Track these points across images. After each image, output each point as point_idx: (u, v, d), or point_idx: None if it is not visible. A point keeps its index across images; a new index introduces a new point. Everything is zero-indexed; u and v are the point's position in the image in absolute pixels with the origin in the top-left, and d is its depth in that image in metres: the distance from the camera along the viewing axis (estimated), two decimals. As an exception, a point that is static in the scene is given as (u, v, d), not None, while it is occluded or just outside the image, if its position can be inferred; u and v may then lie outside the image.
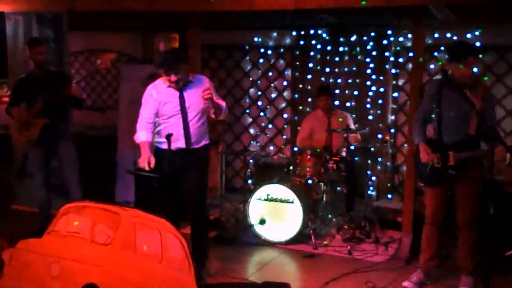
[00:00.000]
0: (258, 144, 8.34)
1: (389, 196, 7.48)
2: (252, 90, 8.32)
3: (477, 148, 4.45)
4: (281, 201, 5.91)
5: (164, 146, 4.64)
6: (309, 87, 7.98)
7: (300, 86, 8.07)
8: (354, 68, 7.72)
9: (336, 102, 7.29)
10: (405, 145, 7.19)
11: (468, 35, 6.87)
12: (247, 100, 8.20)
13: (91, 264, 3.65)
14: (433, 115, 4.61)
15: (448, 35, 7.05)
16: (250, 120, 8.34)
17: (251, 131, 8.41)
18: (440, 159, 4.44)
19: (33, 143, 5.71)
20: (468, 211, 4.56)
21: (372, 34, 7.54)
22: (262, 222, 5.94)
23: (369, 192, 7.40)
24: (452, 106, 4.46)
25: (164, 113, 4.76)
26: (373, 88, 7.65)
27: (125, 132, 7.44)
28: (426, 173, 4.59)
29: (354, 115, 7.31)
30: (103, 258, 3.64)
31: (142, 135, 4.77)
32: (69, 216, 3.91)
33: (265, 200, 5.98)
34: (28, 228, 4.18)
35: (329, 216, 6.45)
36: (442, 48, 7.14)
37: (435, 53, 7.24)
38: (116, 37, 8.84)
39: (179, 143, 4.74)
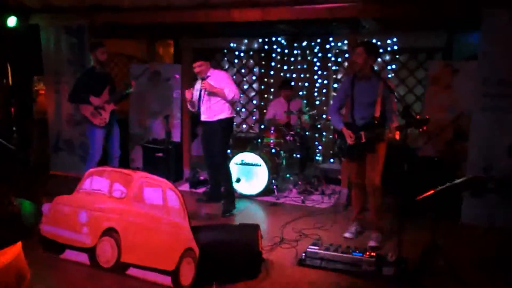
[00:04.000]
0: (235, 123, 8.28)
1: (331, 160, 7.54)
2: (229, 83, 8.25)
3: (381, 128, 4.08)
4: (252, 164, 5.91)
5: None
6: (272, 81, 7.94)
7: (265, 80, 8.01)
8: (305, 66, 7.69)
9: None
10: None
11: (388, 41, 6.90)
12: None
13: (110, 213, 3.63)
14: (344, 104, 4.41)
15: (374, 40, 7.05)
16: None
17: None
18: (354, 138, 4.20)
19: (104, 125, 5.43)
20: (372, 178, 4.22)
21: (318, 40, 7.50)
22: (238, 180, 5.94)
23: (317, 157, 7.45)
24: (361, 94, 4.20)
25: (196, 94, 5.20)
26: (319, 81, 7.63)
27: (135, 114, 7.32)
28: (346, 150, 4.33)
29: (305, 101, 7.32)
30: (119, 208, 3.62)
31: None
32: (92, 177, 3.87)
33: (240, 164, 5.96)
34: (63, 188, 4.09)
35: (288, 175, 6.47)
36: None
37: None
38: (127, 43, 8.64)
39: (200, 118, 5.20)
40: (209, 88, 4.91)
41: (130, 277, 3.50)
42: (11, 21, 6.19)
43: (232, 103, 5.15)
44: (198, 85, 5.18)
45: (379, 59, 7.12)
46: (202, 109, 5.11)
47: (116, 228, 3.58)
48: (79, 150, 6.72)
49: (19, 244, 2.02)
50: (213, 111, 5.07)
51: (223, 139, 5.16)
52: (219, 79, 5.03)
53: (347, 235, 4.52)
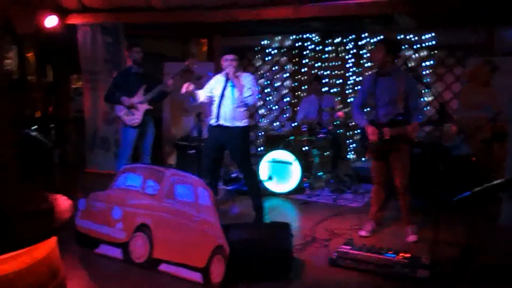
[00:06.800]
0: (267, 120, 8.28)
1: (364, 158, 7.41)
2: (261, 80, 8.22)
3: (406, 126, 4.03)
4: (284, 162, 5.88)
5: (211, 121, 4.64)
6: (304, 78, 7.87)
7: (298, 77, 7.96)
8: (338, 63, 7.59)
9: (325, 88, 7.20)
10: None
11: (424, 37, 6.71)
12: (258, 88, 8.10)
13: (143, 209, 3.67)
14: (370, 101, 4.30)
15: (409, 37, 6.90)
16: (260, 103, 8.26)
17: (261, 111, 8.34)
18: (378, 135, 4.11)
19: (136, 125, 5.40)
20: (401, 177, 4.17)
21: (352, 36, 7.38)
22: (270, 178, 5.92)
23: (350, 155, 7.34)
24: (383, 91, 4.13)
25: (214, 94, 4.63)
26: (352, 77, 7.52)
27: (168, 112, 7.40)
28: (369, 147, 4.24)
29: (338, 98, 7.21)
30: (152, 205, 3.66)
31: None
32: (126, 174, 3.92)
33: (272, 162, 5.95)
34: (98, 184, 4.17)
35: (320, 173, 6.41)
36: (404, 46, 6.99)
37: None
38: (163, 43, 8.74)
39: (214, 120, 4.58)
40: (232, 74, 4.43)
41: (161, 273, 3.54)
42: (50, 22, 6.36)
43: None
44: (214, 82, 4.69)
45: (416, 55, 6.96)
46: (222, 111, 4.51)
47: (149, 224, 3.61)
48: (115, 148, 6.85)
49: (54, 239, 2.06)
50: (237, 115, 4.55)
51: (248, 146, 4.80)
52: (246, 81, 4.58)
53: (362, 233, 4.43)
